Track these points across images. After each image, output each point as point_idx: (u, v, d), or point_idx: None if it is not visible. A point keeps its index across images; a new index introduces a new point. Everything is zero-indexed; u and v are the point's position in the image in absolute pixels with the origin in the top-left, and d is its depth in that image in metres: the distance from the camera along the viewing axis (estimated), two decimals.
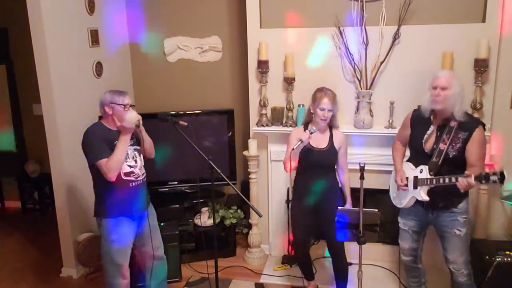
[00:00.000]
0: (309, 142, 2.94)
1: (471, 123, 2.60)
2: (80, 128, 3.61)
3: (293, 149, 2.86)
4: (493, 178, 2.30)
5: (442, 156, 2.61)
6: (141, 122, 2.73)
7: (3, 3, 4.62)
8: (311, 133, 2.88)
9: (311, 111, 3.00)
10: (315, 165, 2.98)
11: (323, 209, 3.00)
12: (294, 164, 2.96)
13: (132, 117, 2.66)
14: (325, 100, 2.90)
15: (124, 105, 2.70)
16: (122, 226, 2.77)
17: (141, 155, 2.88)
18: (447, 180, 2.53)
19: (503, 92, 3.36)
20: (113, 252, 2.78)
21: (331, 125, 3.03)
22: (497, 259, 3.08)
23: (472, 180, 2.38)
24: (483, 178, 2.34)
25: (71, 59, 3.60)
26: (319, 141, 2.99)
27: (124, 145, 2.67)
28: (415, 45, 3.38)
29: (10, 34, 4.80)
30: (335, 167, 3.08)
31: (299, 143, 2.85)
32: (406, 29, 3.36)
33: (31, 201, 5.08)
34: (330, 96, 2.92)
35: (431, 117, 2.72)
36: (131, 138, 2.76)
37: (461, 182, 2.44)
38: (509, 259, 3.09)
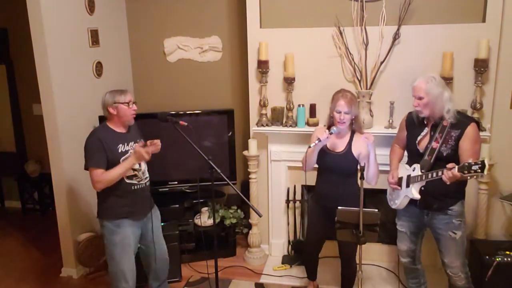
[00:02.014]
0: (326, 145, 2.87)
1: (463, 121, 2.60)
2: (80, 128, 3.65)
3: (309, 146, 2.79)
4: (474, 167, 2.31)
5: (435, 154, 2.62)
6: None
7: (3, 3, 4.62)
8: (331, 133, 2.77)
9: (331, 115, 2.89)
10: (331, 169, 2.88)
11: None
12: (312, 163, 2.91)
13: (146, 156, 2.71)
14: (341, 102, 2.76)
15: (128, 103, 2.73)
16: (124, 228, 2.78)
17: None
18: (434, 175, 2.54)
19: (503, 92, 3.36)
20: (116, 254, 2.79)
21: (353, 129, 2.88)
22: (497, 259, 3.08)
23: (456, 171, 2.38)
24: (465, 168, 2.34)
25: (71, 59, 3.60)
26: (337, 145, 2.87)
27: (127, 167, 2.70)
28: (415, 45, 3.38)
29: (10, 34, 4.79)
30: (355, 172, 2.89)
31: (316, 141, 2.75)
32: (406, 29, 3.36)
33: (31, 201, 5.07)
34: (347, 97, 2.77)
35: (424, 120, 2.72)
36: (136, 142, 2.81)
37: (446, 173, 2.44)
38: (509, 259, 3.09)
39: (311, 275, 3.32)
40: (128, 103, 2.73)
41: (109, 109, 2.73)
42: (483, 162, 2.28)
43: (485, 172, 2.28)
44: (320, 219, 3.01)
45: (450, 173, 2.40)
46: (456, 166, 2.38)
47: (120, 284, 2.84)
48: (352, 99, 2.81)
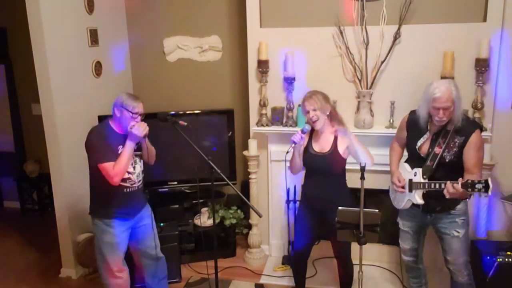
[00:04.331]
0: (311, 146, 2.85)
1: (468, 127, 2.56)
2: (79, 128, 3.64)
3: (287, 152, 2.80)
4: (478, 186, 2.33)
5: (437, 160, 2.59)
6: (147, 133, 2.74)
7: (2, 2, 4.61)
8: (304, 132, 2.77)
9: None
10: (318, 170, 2.85)
11: (330, 216, 2.70)
12: (299, 165, 2.90)
13: (141, 130, 2.67)
14: (304, 103, 2.76)
15: (132, 113, 2.67)
16: (115, 228, 2.78)
17: (142, 161, 2.89)
18: (437, 186, 2.53)
19: (504, 92, 3.35)
20: (105, 252, 2.81)
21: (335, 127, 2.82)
22: (498, 260, 3.07)
23: (459, 187, 2.39)
24: (469, 185, 2.36)
25: (70, 58, 3.59)
26: (323, 145, 2.83)
27: (130, 151, 2.69)
28: (416, 45, 3.37)
29: (9, 33, 4.78)
30: (344, 173, 2.88)
31: (292, 145, 2.76)
32: (406, 28, 3.35)
33: (30, 201, 5.06)
34: (308, 96, 2.76)
35: (428, 124, 2.67)
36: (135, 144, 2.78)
37: (448, 188, 2.45)
38: (510, 259, 3.08)
39: (299, 283, 3.19)
40: (132, 114, 2.67)
41: (115, 109, 2.70)
42: (486, 182, 2.29)
43: (489, 192, 2.30)
44: (309, 221, 2.96)
45: (453, 188, 2.41)
46: (460, 182, 2.38)
47: (108, 280, 2.87)
48: (317, 95, 2.75)
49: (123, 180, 2.74)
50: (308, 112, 2.77)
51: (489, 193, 2.32)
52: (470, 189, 2.35)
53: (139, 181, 2.86)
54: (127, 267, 2.93)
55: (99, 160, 2.64)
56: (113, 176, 2.63)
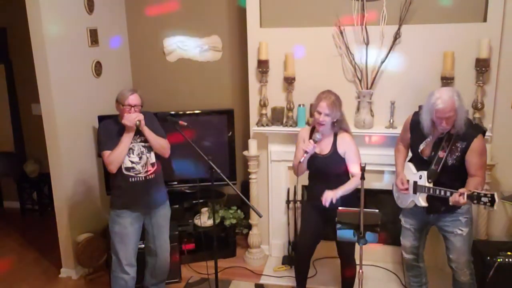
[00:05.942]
0: None
1: (470, 133, 2.54)
2: (79, 128, 3.64)
3: (300, 162, 2.82)
4: (484, 199, 2.32)
5: (441, 163, 2.59)
6: (142, 123, 2.76)
7: (2, 2, 4.60)
8: (315, 141, 2.80)
9: (312, 113, 2.93)
10: (320, 172, 2.89)
11: (333, 216, 2.64)
12: (304, 169, 2.93)
13: (129, 119, 2.73)
14: (322, 104, 2.76)
15: (123, 106, 2.75)
16: (123, 218, 2.84)
17: (151, 153, 2.89)
18: (443, 193, 2.53)
19: (504, 92, 3.35)
20: (115, 243, 2.88)
21: (336, 131, 2.87)
22: (498, 260, 3.07)
23: (464, 198, 2.39)
24: (475, 198, 2.36)
25: (70, 58, 3.59)
26: (323, 147, 2.88)
27: (126, 141, 2.76)
28: (416, 45, 3.37)
29: (9, 33, 4.78)
30: (347, 172, 2.89)
31: (305, 155, 2.79)
32: (407, 28, 3.35)
33: (30, 202, 5.05)
34: (329, 99, 2.76)
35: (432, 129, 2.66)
36: (142, 135, 2.83)
37: (453, 197, 2.45)
38: (510, 259, 3.08)
39: (300, 282, 3.19)
40: (123, 105, 2.76)
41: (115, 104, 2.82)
42: (493, 196, 2.28)
43: (495, 207, 2.30)
44: (314, 220, 2.99)
45: (457, 197, 2.41)
46: (466, 193, 2.39)
47: (117, 273, 2.91)
48: (335, 102, 2.78)
49: (127, 169, 2.81)
50: (320, 113, 2.78)
51: (495, 207, 2.30)
52: (475, 201, 2.35)
53: (147, 172, 2.87)
54: (135, 264, 2.95)
55: (100, 149, 2.80)
56: (108, 163, 2.76)
